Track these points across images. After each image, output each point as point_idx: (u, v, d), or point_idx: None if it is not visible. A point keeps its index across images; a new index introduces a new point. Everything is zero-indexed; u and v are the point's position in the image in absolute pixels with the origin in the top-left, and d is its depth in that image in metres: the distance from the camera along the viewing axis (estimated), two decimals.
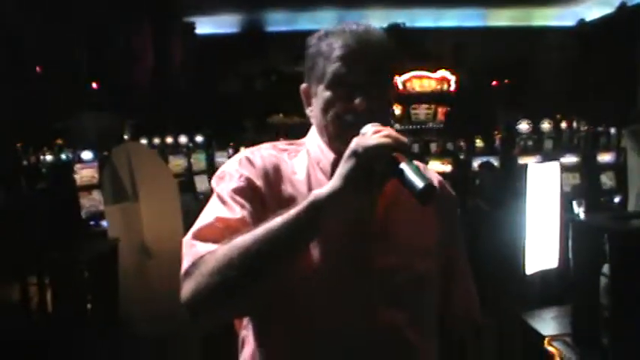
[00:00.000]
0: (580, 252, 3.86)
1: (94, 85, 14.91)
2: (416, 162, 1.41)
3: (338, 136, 1.55)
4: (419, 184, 1.32)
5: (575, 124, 10.40)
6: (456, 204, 1.82)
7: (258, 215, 1.50)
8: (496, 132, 11.45)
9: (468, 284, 1.78)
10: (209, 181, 10.22)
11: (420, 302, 1.59)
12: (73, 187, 7.02)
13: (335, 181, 1.37)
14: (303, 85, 1.65)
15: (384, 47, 1.59)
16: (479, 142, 10.73)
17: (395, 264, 1.55)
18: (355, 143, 1.37)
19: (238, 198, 1.53)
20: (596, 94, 14.14)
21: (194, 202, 9.55)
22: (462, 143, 11.55)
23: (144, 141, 11.19)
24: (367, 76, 1.53)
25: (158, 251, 4.67)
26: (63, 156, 10.44)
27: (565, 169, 7.71)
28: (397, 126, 14.44)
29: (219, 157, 11.03)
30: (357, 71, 1.53)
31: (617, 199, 7.63)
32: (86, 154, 7.82)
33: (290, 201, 1.52)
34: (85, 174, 7.45)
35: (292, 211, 1.38)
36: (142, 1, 15.54)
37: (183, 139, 11.85)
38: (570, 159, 8.56)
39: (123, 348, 4.31)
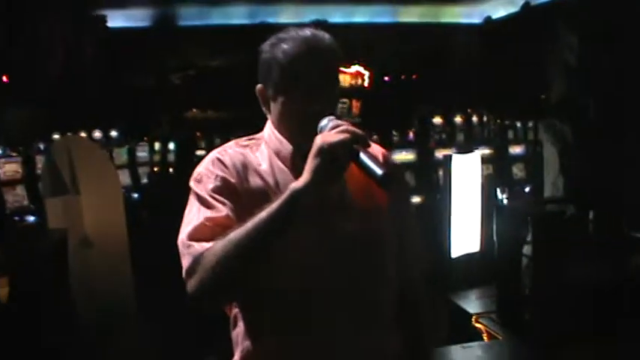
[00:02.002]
0: (504, 235, 4.17)
1: (4, 78, 14.52)
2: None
3: (298, 132, 1.75)
4: (378, 171, 1.53)
5: (485, 118, 10.79)
6: (400, 171, 2.10)
7: (237, 208, 1.69)
8: (410, 126, 11.72)
9: (413, 241, 1.98)
10: (130, 175, 10.19)
11: (378, 259, 1.81)
12: None
13: (307, 175, 1.56)
14: (259, 86, 1.82)
15: (332, 49, 1.78)
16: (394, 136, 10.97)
17: (354, 228, 1.76)
18: (320, 141, 1.56)
19: (218, 197, 1.71)
20: (503, 90, 14.64)
21: None
22: (374, 136, 11.79)
23: (56, 136, 11.04)
24: (319, 77, 1.73)
25: (99, 242, 4.76)
26: None
27: None
28: None
29: (140, 151, 11.03)
30: (310, 73, 1.72)
31: (527, 189, 8.08)
32: None
33: (260, 191, 1.73)
34: (8, 169, 7.34)
35: (274, 205, 1.57)
36: None
37: (97, 134, 11.75)
38: (482, 151, 8.97)
39: (72, 337, 4.39)
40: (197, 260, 1.61)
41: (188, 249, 1.65)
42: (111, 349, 4.57)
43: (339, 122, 1.63)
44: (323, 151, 1.54)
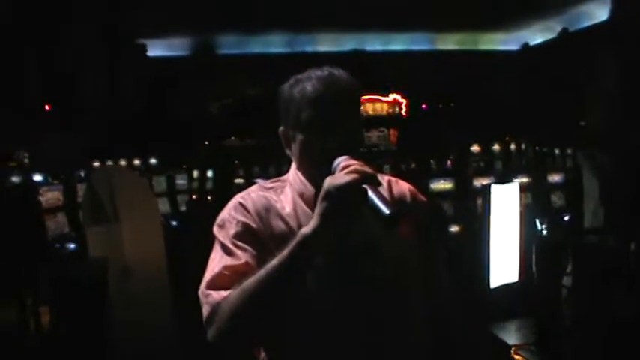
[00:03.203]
0: (543, 265, 4.12)
1: (47, 107, 14.82)
2: (384, 177, 1.67)
3: (315, 171, 1.75)
4: (385, 212, 1.52)
5: (523, 146, 10.74)
6: (428, 209, 2.01)
7: (259, 253, 1.72)
8: (447, 154, 11.68)
9: (443, 279, 1.98)
10: (169, 203, 10.25)
11: (404, 303, 1.80)
12: (39, 209, 7.00)
13: (315, 220, 1.58)
14: (281, 129, 1.84)
15: (348, 87, 1.78)
16: (432, 165, 10.94)
17: (379, 271, 1.75)
18: (328, 184, 1.57)
19: (239, 243, 1.74)
20: (541, 117, 14.56)
21: None
22: (412, 165, 11.77)
23: (96, 164, 11.20)
24: (336, 116, 1.73)
25: (139, 270, 4.80)
26: (15, 179, 10.33)
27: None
28: None
29: (179, 179, 11.10)
30: (327, 113, 1.72)
31: (566, 218, 7.96)
32: (37, 177, 7.89)
33: (283, 235, 1.73)
34: (50, 196, 7.42)
35: (285, 252, 1.59)
36: (92, 23, 15.50)
37: (136, 162, 11.91)
38: (521, 179, 8.87)
39: None
40: (214, 310, 1.65)
41: (206, 298, 1.68)
42: None
43: (350, 162, 1.62)
44: (330, 195, 1.55)
